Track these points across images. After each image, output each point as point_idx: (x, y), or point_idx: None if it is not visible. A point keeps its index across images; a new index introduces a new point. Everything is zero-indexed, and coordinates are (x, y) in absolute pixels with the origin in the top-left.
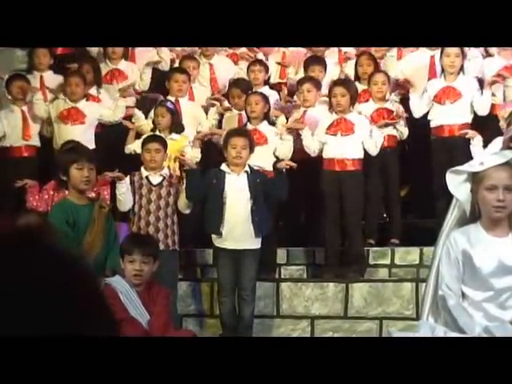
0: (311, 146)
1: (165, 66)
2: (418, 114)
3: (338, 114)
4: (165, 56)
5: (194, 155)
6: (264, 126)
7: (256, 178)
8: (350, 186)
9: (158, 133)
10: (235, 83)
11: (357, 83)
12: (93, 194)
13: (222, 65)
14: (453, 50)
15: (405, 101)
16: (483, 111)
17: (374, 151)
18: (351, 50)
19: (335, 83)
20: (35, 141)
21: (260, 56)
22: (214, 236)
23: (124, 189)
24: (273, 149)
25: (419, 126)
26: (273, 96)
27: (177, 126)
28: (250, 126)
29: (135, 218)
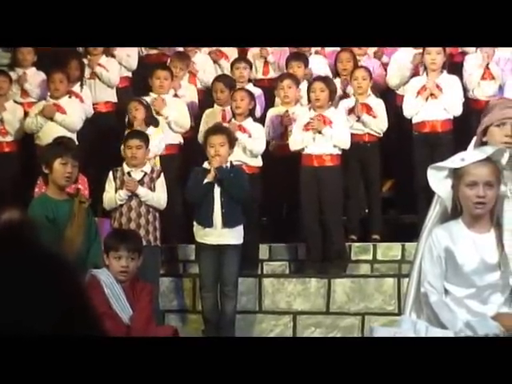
0: (298, 140)
1: (133, 65)
2: (409, 114)
3: (315, 110)
4: (133, 54)
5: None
6: (249, 123)
7: (230, 172)
8: (328, 181)
9: (134, 128)
10: (218, 78)
11: (336, 79)
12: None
13: (202, 62)
14: (433, 48)
15: (387, 95)
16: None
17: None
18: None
19: (314, 79)
20: (15, 136)
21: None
22: (196, 231)
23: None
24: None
25: (401, 121)
26: (257, 93)
27: (151, 120)
28: (234, 122)
29: (116, 214)
